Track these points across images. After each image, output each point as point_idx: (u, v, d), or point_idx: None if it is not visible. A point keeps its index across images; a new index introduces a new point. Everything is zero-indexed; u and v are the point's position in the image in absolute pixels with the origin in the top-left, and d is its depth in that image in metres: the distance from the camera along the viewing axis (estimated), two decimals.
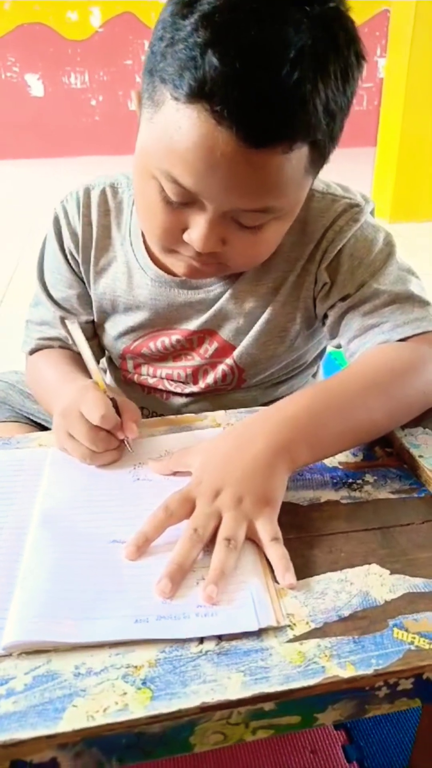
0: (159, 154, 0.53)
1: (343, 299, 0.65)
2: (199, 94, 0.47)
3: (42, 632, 0.40)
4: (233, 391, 0.75)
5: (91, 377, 0.62)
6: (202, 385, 0.74)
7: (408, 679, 0.38)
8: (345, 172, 0.72)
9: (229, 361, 0.72)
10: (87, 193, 0.71)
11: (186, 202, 0.54)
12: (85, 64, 4.67)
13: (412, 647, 0.39)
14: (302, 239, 0.66)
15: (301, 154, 0.51)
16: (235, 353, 0.71)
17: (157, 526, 0.47)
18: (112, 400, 0.57)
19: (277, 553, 0.45)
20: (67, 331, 0.61)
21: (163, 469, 0.55)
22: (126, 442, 0.57)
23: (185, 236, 0.57)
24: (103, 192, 0.71)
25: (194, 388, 0.75)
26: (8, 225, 3.29)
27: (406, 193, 3.15)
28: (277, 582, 0.44)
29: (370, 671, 0.38)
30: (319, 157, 0.54)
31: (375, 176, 3.37)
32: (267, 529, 0.47)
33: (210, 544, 0.46)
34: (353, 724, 0.82)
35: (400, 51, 2.98)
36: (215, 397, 0.75)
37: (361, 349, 0.63)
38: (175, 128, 0.50)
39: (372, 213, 0.69)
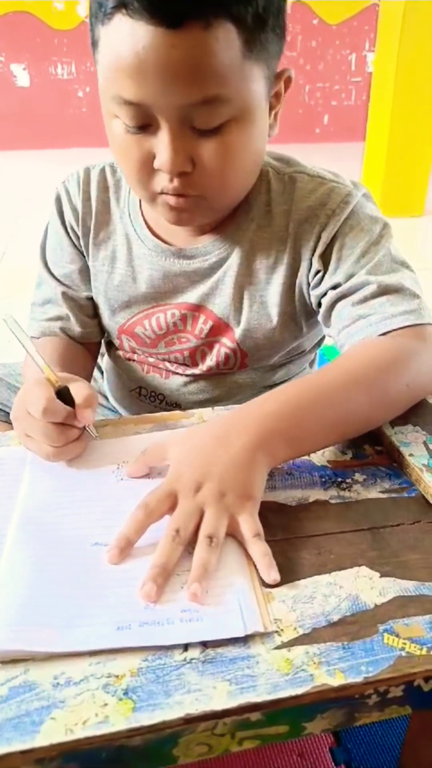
0: (108, 85, 0.55)
1: (334, 288, 0.65)
2: (116, 5, 0.51)
3: (21, 641, 0.38)
4: (233, 373, 0.75)
5: (86, 377, 0.60)
6: (203, 367, 0.75)
7: (398, 687, 0.37)
8: (334, 167, 0.72)
9: (231, 344, 0.72)
10: (87, 172, 0.75)
11: (143, 124, 0.56)
12: (71, 54, 4.60)
13: (403, 653, 0.38)
14: (289, 219, 0.67)
15: (227, 33, 0.51)
16: (238, 337, 0.71)
17: (139, 527, 0.45)
18: (65, 388, 0.54)
19: (261, 550, 0.44)
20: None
21: (139, 470, 0.53)
22: (87, 430, 0.55)
23: (156, 164, 0.58)
24: (103, 171, 0.74)
25: (195, 371, 0.75)
26: None
27: (395, 188, 3.15)
28: (264, 586, 0.43)
29: (360, 679, 0.37)
30: (253, 40, 0.53)
31: (364, 171, 3.37)
32: (249, 525, 0.46)
33: (191, 543, 0.45)
34: None
35: (389, 45, 2.96)
36: (215, 378, 0.76)
37: (349, 340, 0.63)
38: (109, 49, 0.53)
39: (370, 200, 0.69)
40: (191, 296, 0.72)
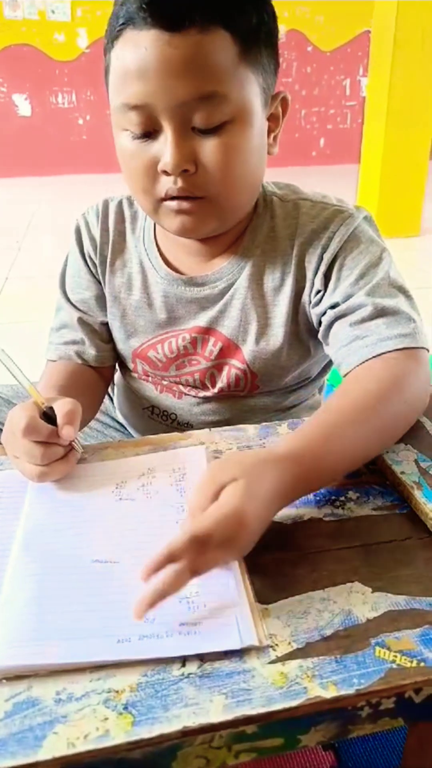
0: (116, 97, 0.60)
1: (333, 307, 0.67)
2: (125, 21, 0.57)
3: (24, 656, 0.40)
4: (245, 397, 0.77)
5: (98, 400, 0.61)
6: (215, 390, 0.77)
7: (390, 698, 0.38)
8: (330, 189, 0.75)
9: (241, 365, 0.74)
10: (106, 204, 0.79)
11: (149, 131, 0.60)
12: (72, 84, 4.71)
13: (394, 666, 0.39)
14: (293, 242, 0.70)
15: (222, 38, 0.57)
16: (247, 358, 0.73)
17: (159, 564, 0.43)
18: (50, 409, 0.56)
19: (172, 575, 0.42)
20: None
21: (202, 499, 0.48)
22: (74, 446, 0.57)
23: (160, 166, 0.61)
24: (120, 203, 0.78)
25: (207, 393, 0.77)
26: None
27: (391, 209, 3.20)
28: (259, 602, 0.44)
29: (351, 691, 0.38)
30: (247, 50, 0.59)
31: (359, 192, 3.42)
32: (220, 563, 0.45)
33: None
34: (341, 745, 0.81)
35: (382, 70, 3.04)
36: (227, 400, 0.78)
37: (345, 360, 0.64)
38: (118, 62, 0.58)
39: (372, 224, 0.71)
40: (201, 320, 0.74)
